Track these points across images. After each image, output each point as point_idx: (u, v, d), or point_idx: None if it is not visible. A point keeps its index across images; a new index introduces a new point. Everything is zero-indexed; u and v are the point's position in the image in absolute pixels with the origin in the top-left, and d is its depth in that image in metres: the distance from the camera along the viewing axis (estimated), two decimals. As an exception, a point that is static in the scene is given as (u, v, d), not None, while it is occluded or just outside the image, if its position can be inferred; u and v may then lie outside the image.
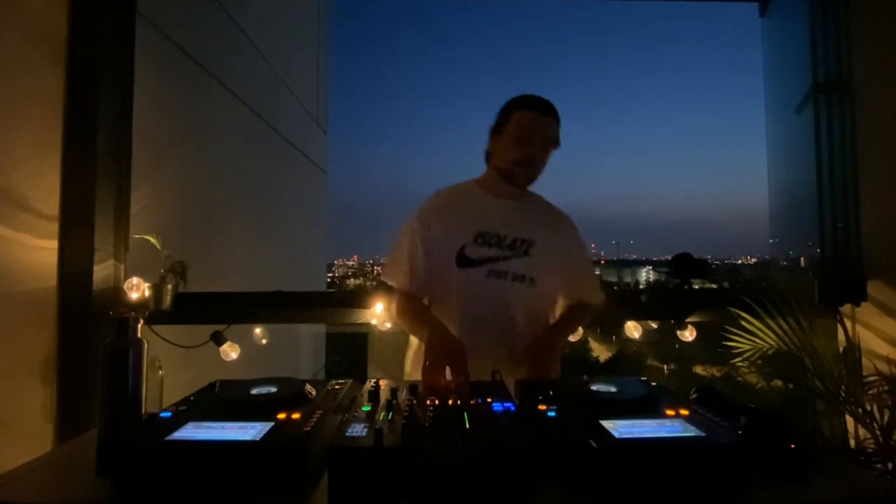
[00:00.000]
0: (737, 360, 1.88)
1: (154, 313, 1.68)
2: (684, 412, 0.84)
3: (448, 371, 1.00)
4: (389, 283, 1.35)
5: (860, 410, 1.64)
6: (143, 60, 1.94)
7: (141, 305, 1.66)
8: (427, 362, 1.03)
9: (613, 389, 0.93)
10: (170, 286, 1.73)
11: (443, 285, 1.29)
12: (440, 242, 1.29)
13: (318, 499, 0.69)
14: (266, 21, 3.85)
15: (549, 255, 1.31)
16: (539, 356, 1.19)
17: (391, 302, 1.37)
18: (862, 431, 1.67)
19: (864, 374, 1.75)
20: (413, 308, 1.30)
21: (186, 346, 1.82)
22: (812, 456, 0.79)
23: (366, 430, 0.73)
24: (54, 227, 1.60)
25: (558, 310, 1.40)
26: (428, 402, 0.87)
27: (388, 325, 1.83)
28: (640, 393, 0.91)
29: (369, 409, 0.84)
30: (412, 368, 1.37)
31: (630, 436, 0.74)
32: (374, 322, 1.88)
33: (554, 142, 1.29)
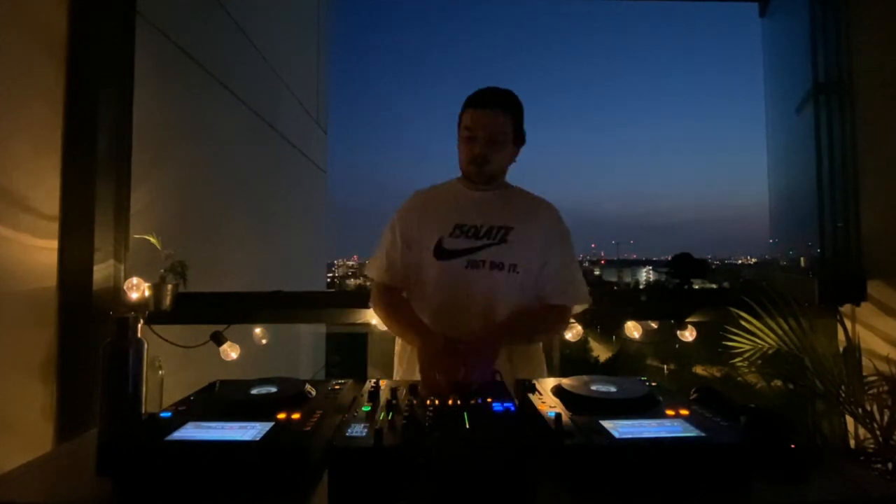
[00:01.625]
0: (737, 360, 1.88)
1: (154, 313, 1.68)
2: (684, 412, 0.84)
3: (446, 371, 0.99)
4: (370, 276, 1.39)
5: (860, 410, 1.64)
6: (143, 60, 1.94)
7: (141, 305, 1.66)
8: (425, 366, 1.03)
9: (613, 389, 0.93)
10: (170, 286, 1.73)
11: (421, 277, 1.30)
12: (419, 236, 1.30)
13: (318, 499, 0.69)
14: (266, 21, 3.85)
15: (529, 240, 1.28)
16: (472, 355, 1.04)
17: (371, 295, 1.38)
18: (862, 431, 1.67)
19: (864, 374, 1.75)
20: (395, 306, 1.31)
21: (186, 346, 1.82)
22: (812, 456, 0.79)
23: (366, 430, 0.73)
24: (54, 227, 1.60)
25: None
26: (428, 402, 0.87)
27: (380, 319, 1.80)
28: (640, 393, 0.91)
29: (369, 409, 0.84)
30: (400, 366, 1.36)
31: (630, 436, 0.74)
32: (374, 322, 1.88)
33: (506, 135, 1.25)
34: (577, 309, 1.36)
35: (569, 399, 0.90)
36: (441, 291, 1.27)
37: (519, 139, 1.31)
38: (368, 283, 1.45)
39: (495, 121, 1.24)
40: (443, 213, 1.31)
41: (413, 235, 1.32)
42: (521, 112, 1.29)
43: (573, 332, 1.92)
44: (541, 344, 1.39)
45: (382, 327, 1.83)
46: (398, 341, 1.39)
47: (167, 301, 1.72)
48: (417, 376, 1.10)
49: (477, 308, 1.24)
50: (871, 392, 1.68)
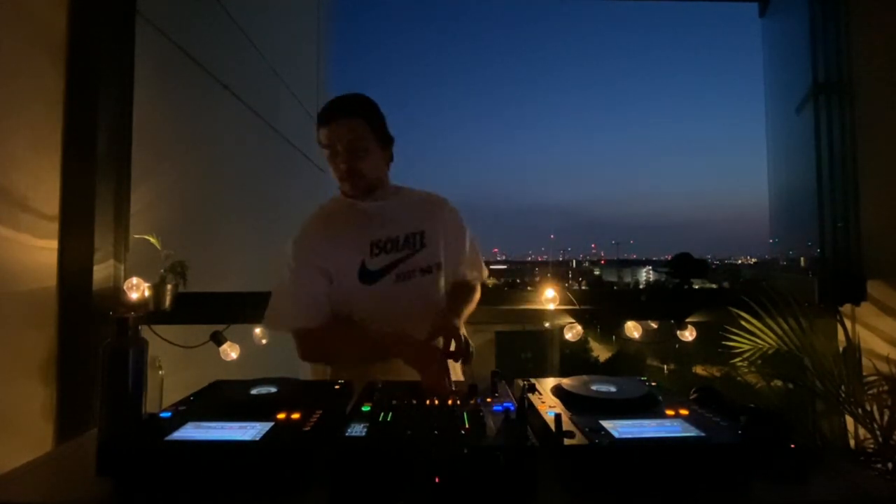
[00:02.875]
0: (737, 360, 1.88)
1: (154, 313, 1.68)
2: (684, 412, 0.84)
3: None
4: (290, 328, 1.22)
5: (860, 410, 1.64)
6: (143, 60, 1.94)
7: (141, 305, 1.66)
8: (429, 369, 1.01)
9: (613, 389, 0.93)
10: (170, 286, 1.73)
11: (348, 307, 1.21)
12: (336, 266, 1.20)
13: (318, 499, 0.69)
14: (266, 21, 3.85)
15: (440, 237, 1.30)
16: (449, 330, 1.09)
17: (300, 346, 1.22)
18: (862, 431, 1.67)
19: (864, 374, 1.75)
20: (347, 335, 1.20)
21: (186, 346, 1.82)
22: (812, 456, 0.79)
23: (366, 430, 0.73)
24: (54, 227, 1.60)
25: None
26: (428, 402, 0.87)
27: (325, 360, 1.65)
28: (640, 393, 0.91)
29: (369, 409, 0.84)
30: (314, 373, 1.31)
31: (630, 436, 0.74)
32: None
33: (366, 141, 1.17)
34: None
35: (569, 399, 0.90)
36: (373, 314, 1.19)
37: (385, 140, 1.24)
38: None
39: (351, 129, 1.16)
40: (353, 234, 1.22)
41: (329, 264, 1.20)
42: (377, 113, 1.22)
43: (573, 332, 1.92)
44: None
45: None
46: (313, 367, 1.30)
47: (167, 301, 1.72)
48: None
49: (414, 318, 1.19)
50: (871, 392, 1.68)
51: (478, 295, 1.40)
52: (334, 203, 1.29)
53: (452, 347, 1.08)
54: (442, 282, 1.30)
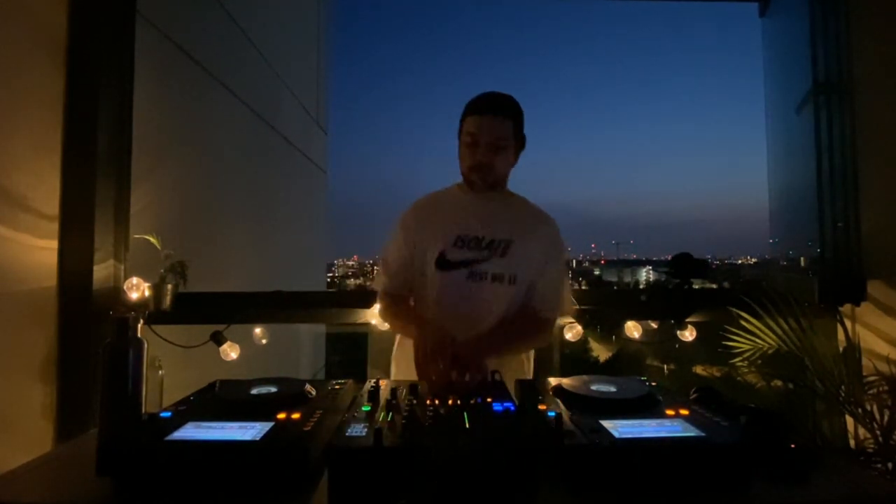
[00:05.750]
0: (737, 360, 1.88)
1: (154, 313, 1.68)
2: (684, 412, 0.84)
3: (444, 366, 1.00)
4: (376, 289, 1.40)
5: (860, 410, 1.64)
6: (143, 60, 1.93)
7: (141, 305, 1.65)
8: (419, 357, 1.03)
9: (613, 389, 0.93)
10: (170, 286, 1.73)
11: (423, 288, 1.31)
12: (422, 246, 1.30)
13: (318, 499, 0.69)
14: (266, 21, 3.85)
15: (529, 255, 1.30)
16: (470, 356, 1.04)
17: (379, 303, 1.40)
18: (862, 431, 1.67)
19: (864, 374, 1.74)
20: (396, 308, 1.33)
21: (186, 346, 1.82)
22: (812, 456, 0.79)
23: (366, 430, 0.73)
24: (54, 227, 1.60)
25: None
26: (428, 401, 0.87)
27: (388, 325, 1.83)
28: (640, 393, 0.91)
29: (369, 409, 0.84)
30: (396, 368, 1.40)
31: (630, 436, 0.74)
32: (374, 322, 1.88)
33: (509, 140, 1.26)
34: (562, 317, 1.47)
35: (569, 399, 0.90)
36: (442, 301, 1.27)
37: (520, 144, 1.31)
38: (370, 285, 1.49)
39: (499, 127, 1.24)
40: (445, 223, 1.30)
41: (417, 244, 1.31)
42: (522, 116, 1.30)
43: (573, 332, 1.92)
44: (531, 354, 1.39)
45: (383, 327, 1.83)
46: (396, 342, 1.41)
47: (167, 301, 1.72)
48: (412, 376, 1.11)
49: (476, 319, 1.25)
50: (871, 392, 1.67)
51: (543, 334, 1.35)
52: (447, 190, 1.39)
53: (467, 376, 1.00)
54: (515, 294, 1.28)
